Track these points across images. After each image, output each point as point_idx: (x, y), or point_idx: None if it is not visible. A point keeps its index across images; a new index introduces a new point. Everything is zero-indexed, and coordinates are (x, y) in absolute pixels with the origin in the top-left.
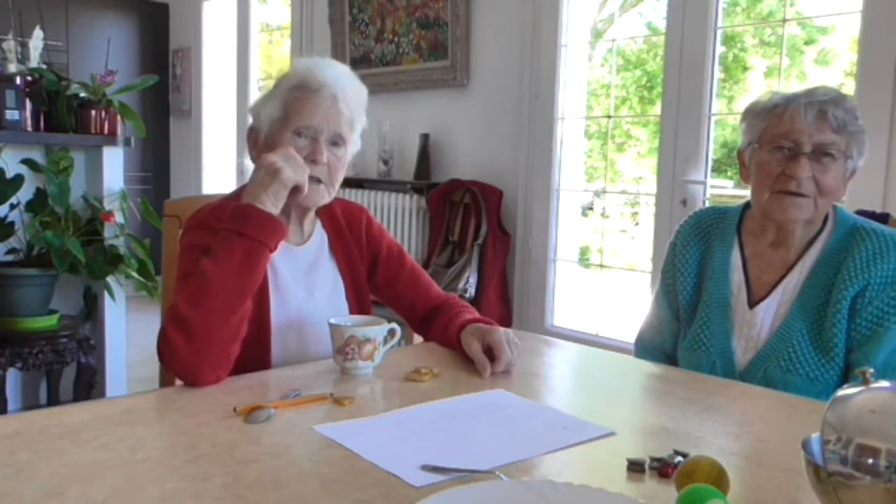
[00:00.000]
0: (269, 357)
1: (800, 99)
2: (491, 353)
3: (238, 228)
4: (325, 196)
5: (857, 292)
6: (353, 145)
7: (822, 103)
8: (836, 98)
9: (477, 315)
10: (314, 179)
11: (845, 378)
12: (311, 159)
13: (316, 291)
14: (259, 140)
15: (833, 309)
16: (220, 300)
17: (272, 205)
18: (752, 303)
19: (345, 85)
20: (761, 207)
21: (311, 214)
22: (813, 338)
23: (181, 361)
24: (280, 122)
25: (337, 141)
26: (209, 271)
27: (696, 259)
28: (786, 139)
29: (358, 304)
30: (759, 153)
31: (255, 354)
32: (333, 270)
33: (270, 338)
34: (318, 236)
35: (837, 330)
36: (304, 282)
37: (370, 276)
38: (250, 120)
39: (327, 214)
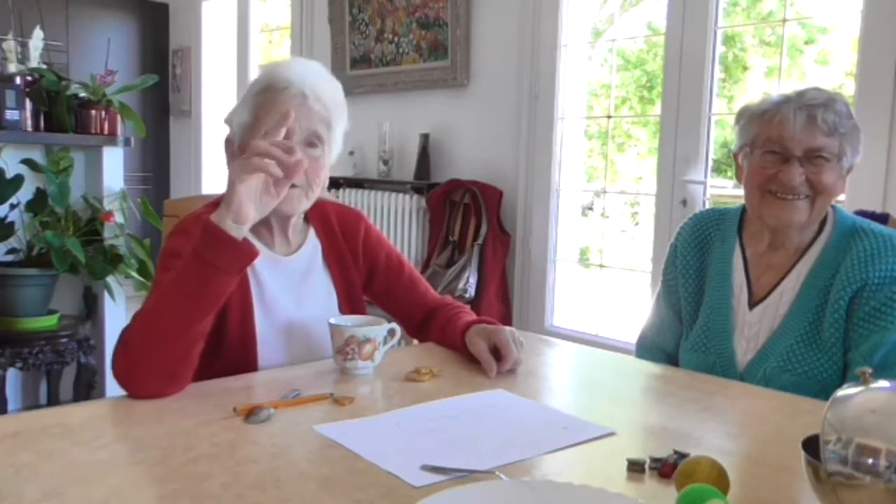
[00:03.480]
0: (256, 369)
1: (790, 104)
2: (497, 353)
3: (197, 249)
4: (304, 201)
5: (854, 292)
6: (334, 146)
7: (810, 108)
8: (827, 101)
9: (475, 315)
10: (292, 187)
11: (844, 377)
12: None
13: (307, 302)
14: (234, 150)
15: (831, 309)
16: (161, 325)
17: (233, 219)
18: (753, 304)
19: (314, 82)
20: (755, 211)
21: (299, 222)
22: (812, 338)
23: (119, 378)
24: (250, 127)
25: (313, 141)
26: (159, 295)
27: (697, 261)
28: (776, 145)
29: (352, 314)
30: (751, 157)
31: (241, 367)
32: (326, 280)
33: (256, 350)
34: (311, 245)
35: (836, 330)
36: (293, 293)
37: (368, 286)
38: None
39: (321, 221)
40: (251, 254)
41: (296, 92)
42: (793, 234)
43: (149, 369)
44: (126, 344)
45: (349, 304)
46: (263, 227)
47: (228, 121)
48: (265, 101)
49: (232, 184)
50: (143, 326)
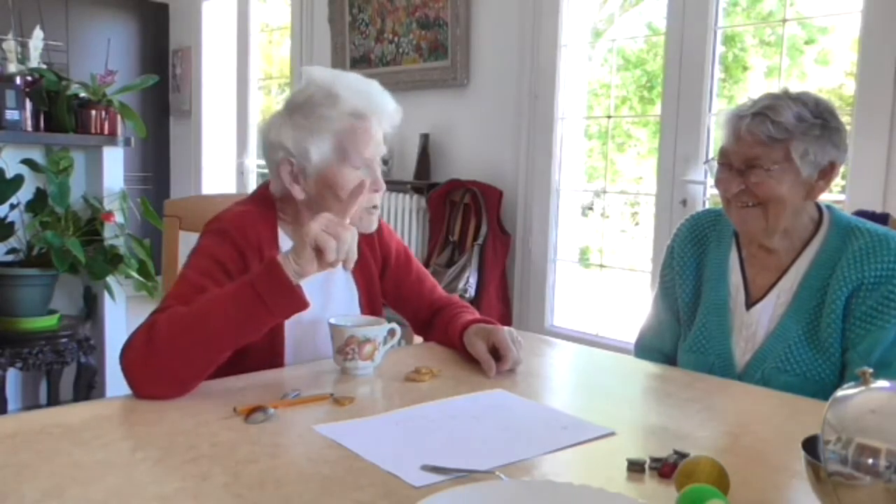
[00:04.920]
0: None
1: (734, 113)
2: (496, 353)
3: (254, 282)
4: (377, 221)
5: (850, 292)
6: None
7: (738, 119)
8: (763, 108)
9: (477, 315)
10: (374, 208)
11: (842, 377)
12: (375, 189)
13: (331, 303)
14: (304, 174)
15: (828, 309)
16: (193, 341)
17: (297, 273)
18: (750, 304)
19: (389, 109)
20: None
21: None
22: (809, 338)
23: (129, 374)
24: (335, 157)
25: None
26: (207, 310)
27: (693, 262)
28: (720, 155)
29: (371, 312)
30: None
31: (269, 364)
32: (348, 279)
33: (283, 351)
34: None
35: (833, 330)
36: (319, 294)
37: (381, 279)
38: (266, 142)
39: None
40: (304, 304)
41: (376, 124)
42: (775, 238)
43: (164, 376)
44: (150, 346)
45: (368, 301)
46: (295, 229)
47: (284, 140)
48: (352, 130)
49: (304, 243)
50: (173, 335)
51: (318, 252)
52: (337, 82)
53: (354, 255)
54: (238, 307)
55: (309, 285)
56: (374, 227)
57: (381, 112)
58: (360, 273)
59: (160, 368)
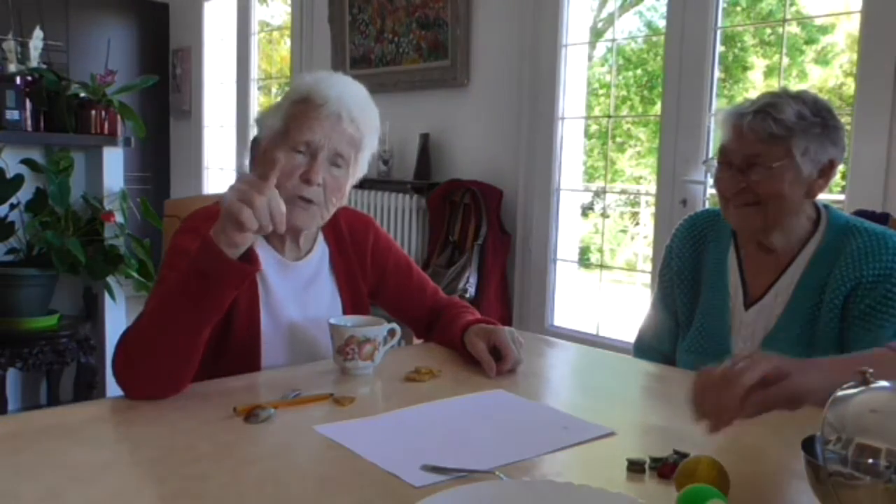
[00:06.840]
0: (259, 371)
1: (735, 112)
2: (496, 353)
3: (195, 261)
4: (317, 219)
5: (849, 291)
6: (358, 168)
7: (739, 116)
8: (763, 106)
9: (478, 315)
10: (304, 200)
11: None
12: (305, 178)
13: (311, 308)
14: (260, 152)
15: (826, 309)
16: (159, 334)
17: (227, 244)
18: (748, 304)
19: (351, 104)
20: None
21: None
22: (808, 338)
23: (117, 379)
24: (279, 136)
25: (337, 161)
26: (158, 302)
27: (692, 262)
28: (721, 154)
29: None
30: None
31: (245, 369)
32: (332, 287)
33: (260, 352)
34: (320, 250)
35: (831, 329)
36: (299, 298)
37: (376, 293)
38: (256, 131)
39: (331, 227)
40: (247, 271)
41: (331, 111)
42: (775, 237)
43: (146, 374)
44: (125, 347)
45: (353, 310)
46: (274, 233)
47: (259, 123)
48: (299, 112)
49: (223, 213)
50: (141, 332)
51: (238, 222)
52: (309, 74)
53: (282, 217)
54: (187, 293)
55: (287, 290)
56: (306, 223)
57: (339, 103)
58: (346, 282)
59: (141, 371)
